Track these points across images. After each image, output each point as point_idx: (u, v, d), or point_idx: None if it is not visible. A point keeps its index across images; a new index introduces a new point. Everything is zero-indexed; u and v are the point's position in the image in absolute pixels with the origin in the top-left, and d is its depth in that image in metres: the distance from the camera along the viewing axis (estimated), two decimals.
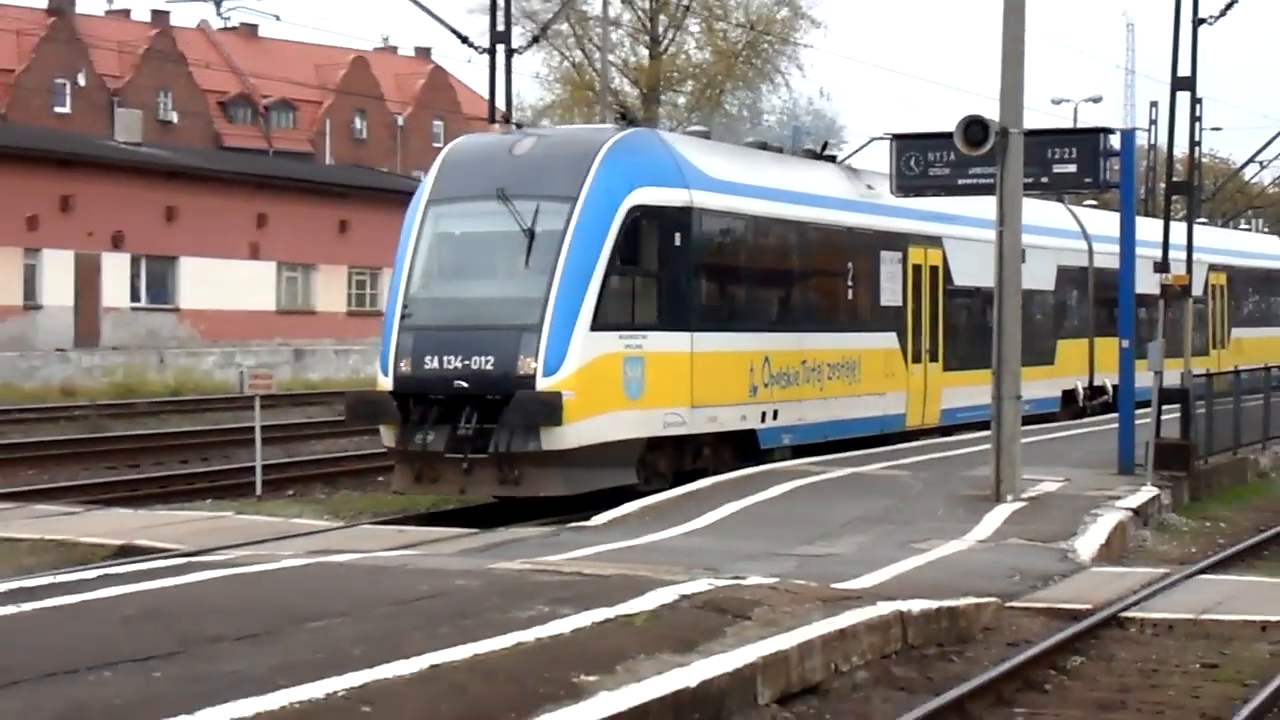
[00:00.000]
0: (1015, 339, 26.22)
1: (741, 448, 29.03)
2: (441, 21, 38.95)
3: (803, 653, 13.31)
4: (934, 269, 35.78)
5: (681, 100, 70.93)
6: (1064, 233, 43.11)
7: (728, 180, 29.14)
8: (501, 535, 21.74)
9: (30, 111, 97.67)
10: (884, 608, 15.17)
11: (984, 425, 32.72)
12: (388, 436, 25.87)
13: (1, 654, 11.90)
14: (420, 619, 13.57)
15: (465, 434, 24.34)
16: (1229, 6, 35.43)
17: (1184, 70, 34.04)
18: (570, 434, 24.10)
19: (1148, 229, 42.34)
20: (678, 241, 27.01)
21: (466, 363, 24.77)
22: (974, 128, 26.00)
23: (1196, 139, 44.69)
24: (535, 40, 49.35)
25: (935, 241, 35.91)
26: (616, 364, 25.44)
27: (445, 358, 25.01)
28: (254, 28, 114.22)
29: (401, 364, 25.40)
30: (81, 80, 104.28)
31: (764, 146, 34.83)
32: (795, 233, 31.55)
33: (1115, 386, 38.19)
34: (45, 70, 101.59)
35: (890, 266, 34.23)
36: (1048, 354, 40.94)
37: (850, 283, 33.25)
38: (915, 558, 19.36)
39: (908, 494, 25.46)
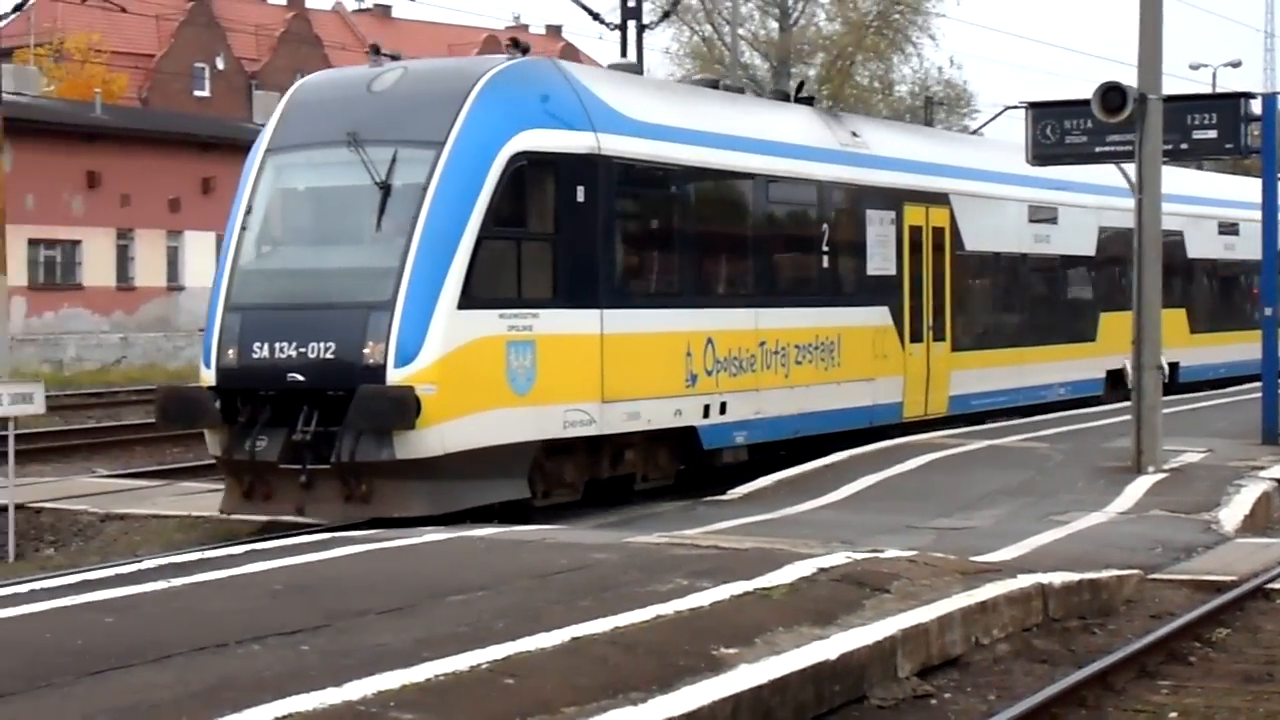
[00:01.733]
0: (1156, 308, 25.60)
1: (680, 448, 24.36)
2: (576, 1, 39.10)
3: (943, 625, 13.28)
4: (938, 231, 30.65)
5: (812, 73, 70.65)
6: (1107, 190, 35.38)
7: (654, 123, 24.12)
8: (638, 510, 21.79)
9: (170, 96, 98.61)
10: (1024, 580, 15.07)
11: (1002, 414, 32.12)
12: (212, 443, 21.35)
13: (154, 628, 12.14)
14: (560, 592, 13.62)
15: (303, 439, 19.81)
16: None
17: None
18: (432, 438, 19.51)
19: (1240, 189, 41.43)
20: (580, 197, 22.01)
21: (302, 350, 20.07)
22: (1112, 94, 25.76)
23: None
24: (666, 15, 49.37)
25: (940, 199, 30.74)
26: (496, 350, 20.61)
27: (277, 344, 20.27)
28: (387, 9, 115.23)
29: (226, 353, 20.68)
30: (220, 64, 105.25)
31: (715, 85, 29.56)
32: (748, 188, 26.41)
33: (1173, 365, 35.67)
34: (184, 54, 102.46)
35: (879, 228, 29.03)
36: (1090, 330, 36.17)
37: (825, 248, 27.61)
38: (1055, 530, 19.23)
39: (1046, 466, 25.23)
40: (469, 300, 20.18)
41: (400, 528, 18.37)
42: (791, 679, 11.23)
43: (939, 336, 30.43)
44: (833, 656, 11.81)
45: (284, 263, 21.88)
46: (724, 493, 23.04)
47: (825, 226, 27.71)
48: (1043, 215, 33.50)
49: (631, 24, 37.56)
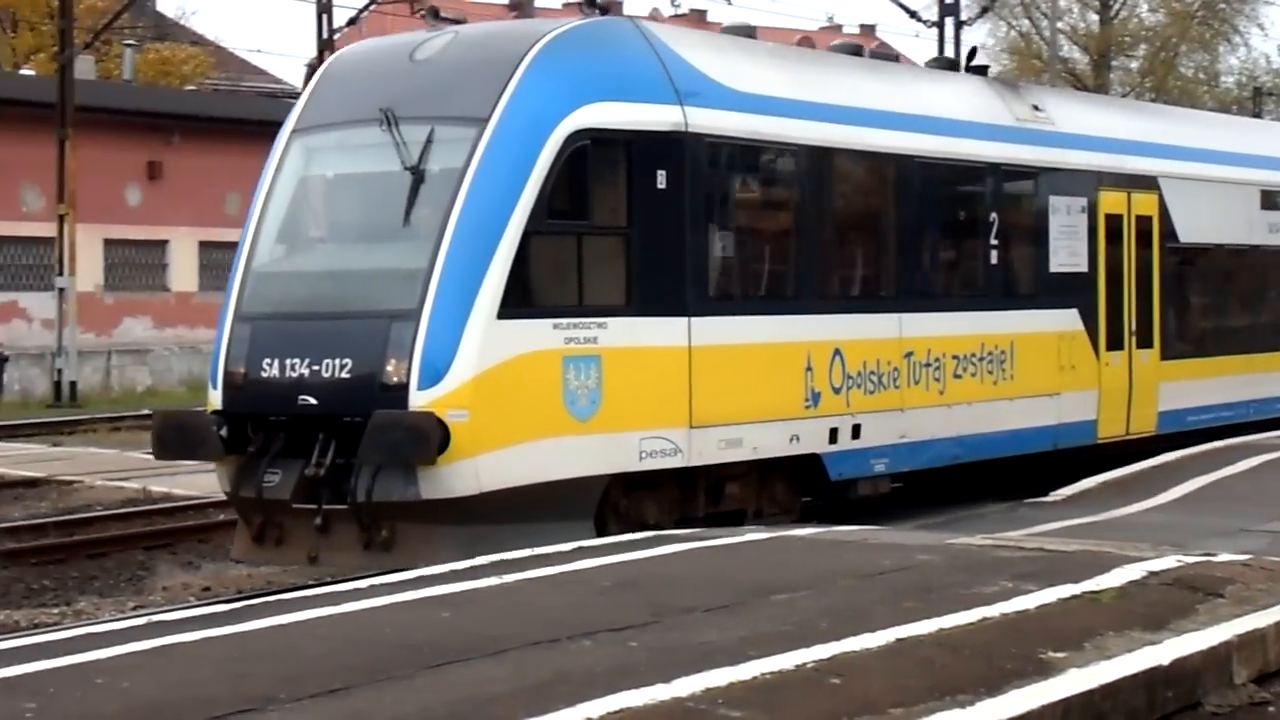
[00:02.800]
0: None
1: (802, 479, 20.79)
2: (900, 3, 39.01)
3: None
4: (1144, 220, 25.87)
5: (1134, 65, 69.71)
6: None
7: (763, 95, 20.36)
8: (960, 511, 21.50)
9: None
10: None
11: (1221, 432, 27.12)
12: (221, 477, 18.49)
13: (490, 623, 12.40)
14: (883, 593, 13.58)
15: (316, 474, 16.92)
16: None
17: None
18: (465, 474, 16.34)
19: None
20: (662, 183, 18.43)
21: (316, 369, 16.97)
22: None
23: None
24: (984, 11, 49.41)
25: (1146, 183, 26.01)
26: (549, 366, 17.27)
27: (289, 361, 17.17)
28: (703, 13, 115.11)
29: (234, 371, 17.72)
30: None
31: (857, 52, 24.80)
32: (890, 172, 22.25)
33: None
34: None
35: (1066, 217, 24.49)
36: None
37: (994, 241, 23.30)
38: None
39: None
40: (513, 308, 16.90)
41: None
42: (1123, 684, 11.08)
43: (1144, 343, 25.80)
44: (1165, 662, 11.62)
45: (301, 265, 18.71)
46: (1046, 494, 22.58)
47: (994, 216, 23.49)
48: (1277, 199, 28.95)
49: (949, 20, 37.36)
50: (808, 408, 20.01)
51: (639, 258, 18.28)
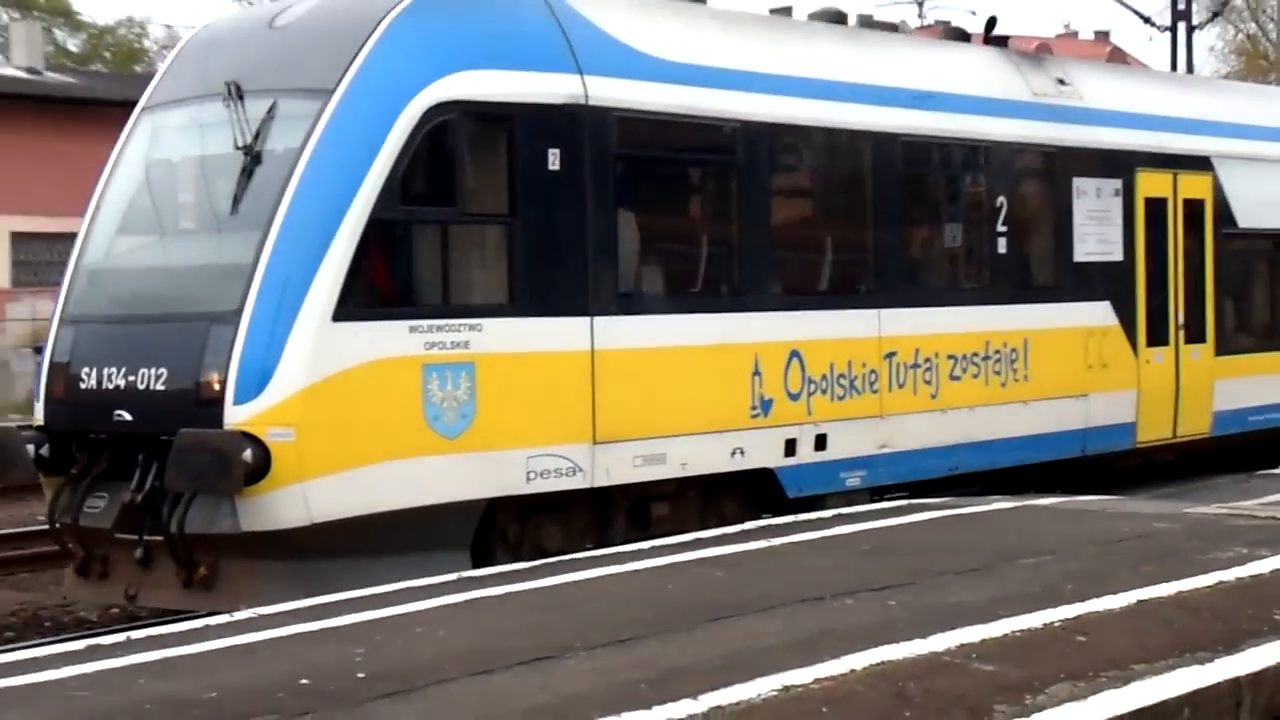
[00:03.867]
0: None
1: (759, 495, 16.74)
2: (1125, 5, 38.53)
3: None
4: (1194, 204, 21.56)
5: None
6: None
7: (694, 64, 16.22)
8: (1194, 483, 20.81)
9: None
10: None
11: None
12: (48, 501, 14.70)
13: (760, 583, 12.42)
14: (1124, 558, 13.41)
15: (133, 501, 13.40)
16: None
17: None
18: (292, 503, 12.71)
19: None
20: (555, 164, 14.52)
21: (132, 379, 13.44)
22: None
23: None
24: (1215, 15, 48.45)
25: (1197, 163, 21.67)
26: (404, 375, 13.44)
27: (106, 371, 13.70)
28: (946, 24, 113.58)
29: (54, 382, 14.27)
30: None
31: (841, 19, 19.79)
32: (865, 152, 17.81)
33: None
34: None
35: (1095, 201, 20.20)
36: None
37: (1002, 227, 19.04)
38: None
39: None
40: (354, 309, 13.22)
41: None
42: None
43: (1196, 338, 21.60)
44: None
45: (129, 260, 15.06)
46: (1278, 467, 21.84)
47: (1003, 200, 19.15)
48: None
49: (1181, 25, 36.74)
50: (755, 416, 16.11)
51: (525, 250, 14.31)
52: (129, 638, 10.88)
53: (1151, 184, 20.80)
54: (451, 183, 14.23)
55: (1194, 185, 21.47)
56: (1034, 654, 10.10)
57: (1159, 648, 10.36)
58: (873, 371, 17.19)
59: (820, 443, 16.88)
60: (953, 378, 18.07)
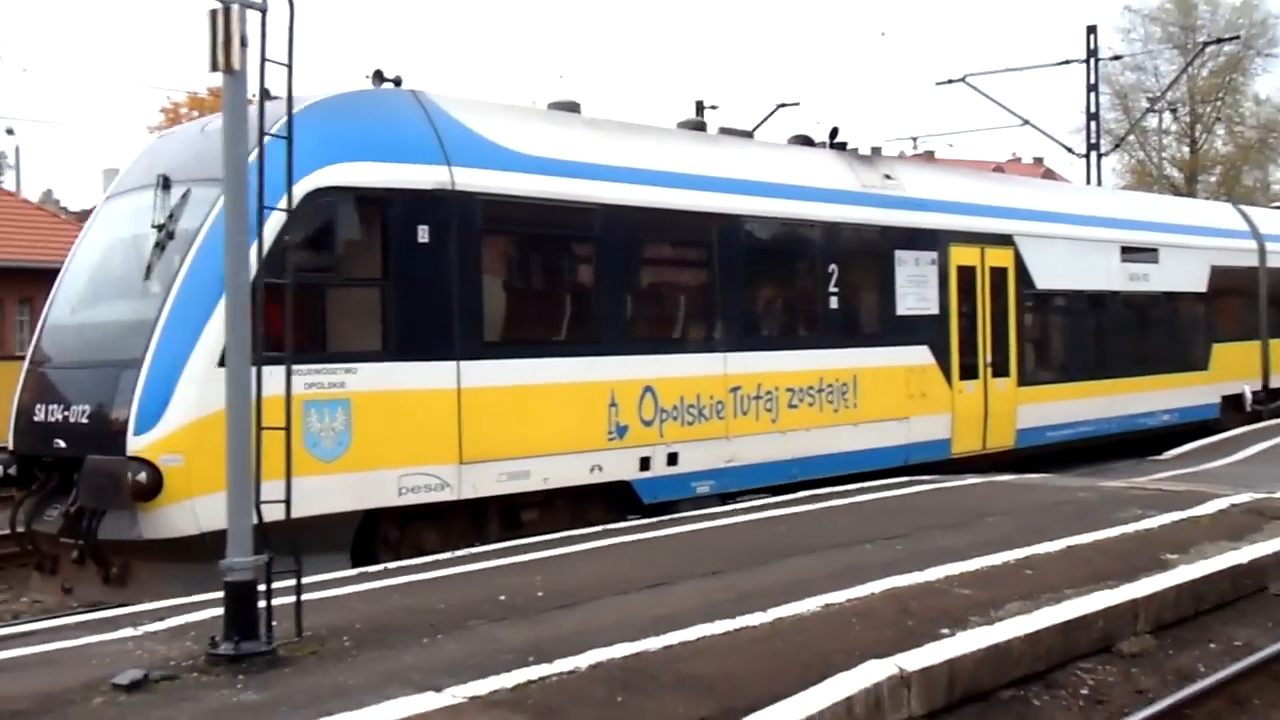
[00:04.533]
0: None
1: (624, 502, 14.63)
2: (1056, 140, 38.18)
3: None
4: (999, 270, 19.70)
5: (1213, 179, 66.99)
6: (1223, 232, 25.52)
7: (553, 158, 14.32)
8: (1101, 466, 20.52)
9: None
10: None
11: (1083, 453, 21.23)
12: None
13: (806, 534, 12.33)
14: (1058, 517, 13.25)
15: (68, 511, 11.95)
16: None
17: None
18: (181, 516, 11.28)
19: None
20: (425, 237, 12.88)
21: (67, 414, 12.34)
22: None
23: None
24: (1116, 146, 48.12)
25: (1001, 240, 19.75)
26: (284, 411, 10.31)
27: (50, 406, 12.58)
28: (930, 153, 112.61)
29: (19, 414, 13.05)
30: None
31: (701, 127, 18.17)
32: (709, 227, 15.75)
33: None
34: None
35: (914, 268, 18.34)
36: (1201, 359, 24.09)
37: (834, 289, 17.17)
38: None
39: None
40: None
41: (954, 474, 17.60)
42: (1216, 575, 10.75)
43: (1001, 373, 19.53)
44: (1244, 561, 11.23)
45: (74, 318, 13.49)
46: (1160, 454, 21.46)
47: (834, 267, 17.17)
48: (1139, 255, 22.76)
49: (1093, 153, 36.32)
50: (612, 439, 14.22)
51: (396, 307, 12.59)
52: (385, 568, 10.99)
53: (963, 255, 19.02)
54: (331, 252, 12.37)
55: (999, 256, 19.65)
56: (996, 582, 10.03)
57: (1082, 578, 10.25)
58: (720, 402, 15.37)
59: (672, 459, 14.84)
60: (791, 406, 16.19)
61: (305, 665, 7.81)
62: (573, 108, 15.88)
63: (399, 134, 12.96)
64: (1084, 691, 8.55)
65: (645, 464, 14.58)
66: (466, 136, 13.55)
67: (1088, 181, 35.34)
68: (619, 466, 14.24)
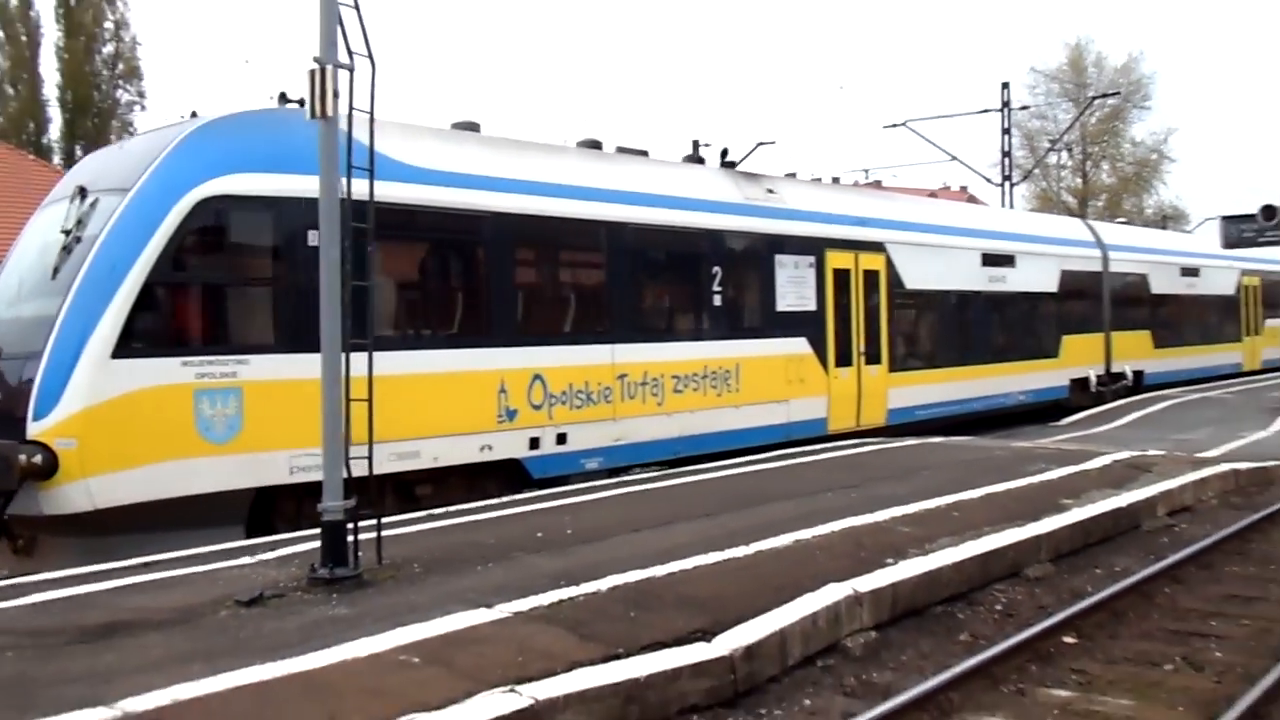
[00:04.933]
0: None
1: (515, 474, 12.94)
2: (978, 173, 37.93)
3: (1181, 490, 12.44)
4: (871, 273, 18.10)
5: (1100, 204, 66.54)
6: (1071, 242, 24.18)
7: (443, 170, 12.64)
8: (1016, 429, 20.33)
9: None
10: (1224, 466, 13.98)
11: (951, 427, 19.49)
12: None
13: (779, 484, 12.19)
14: (979, 471, 13.20)
15: None
16: None
17: None
18: (76, 494, 9.93)
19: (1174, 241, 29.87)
20: (315, 240, 10.47)
21: None
22: (1268, 209, 23.85)
23: None
24: (1024, 178, 47.99)
25: (874, 246, 18.16)
26: (176, 399, 10.42)
27: None
28: (878, 182, 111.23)
29: None
30: None
31: (597, 145, 15.76)
32: (597, 233, 14.10)
33: (1137, 372, 25.22)
34: None
35: (793, 271, 16.73)
36: (1052, 348, 22.73)
37: (717, 289, 15.59)
38: (1239, 441, 17.59)
39: (1232, 407, 22.93)
40: (131, 348, 10.24)
41: (896, 438, 17.34)
42: (1102, 516, 10.74)
43: (874, 360, 18.00)
44: (1124, 504, 11.23)
45: (1, 316, 11.68)
46: (1059, 421, 21.21)
47: (717, 269, 15.58)
48: (999, 260, 21.33)
49: (1007, 183, 36.05)
50: (501, 422, 12.57)
51: (286, 304, 10.95)
52: (446, 510, 10.92)
53: (838, 260, 17.41)
54: (221, 253, 10.89)
55: (872, 261, 18.05)
56: (930, 522, 9.99)
57: (997, 519, 10.21)
58: (608, 388, 13.76)
59: (561, 439, 13.21)
60: (676, 391, 14.65)
61: (384, 587, 7.79)
62: (473, 127, 14.19)
63: (293, 147, 11.19)
64: (998, 607, 8.54)
65: (535, 444, 12.99)
66: (358, 151, 11.17)
67: (1002, 204, 35.12)
68: (509, 446, 12.69)
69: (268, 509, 10.93)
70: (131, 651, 6.38)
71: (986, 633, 7.88)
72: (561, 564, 8.31)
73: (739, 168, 17.35)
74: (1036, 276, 22.23)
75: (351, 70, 8.14)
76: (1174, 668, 7.24)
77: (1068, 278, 23.27)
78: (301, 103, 12.33)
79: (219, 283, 10.86)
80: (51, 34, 31.70)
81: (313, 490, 10.03)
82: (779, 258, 16.58)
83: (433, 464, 11.94)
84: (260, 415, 10.68)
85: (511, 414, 12.75)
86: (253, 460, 10.66)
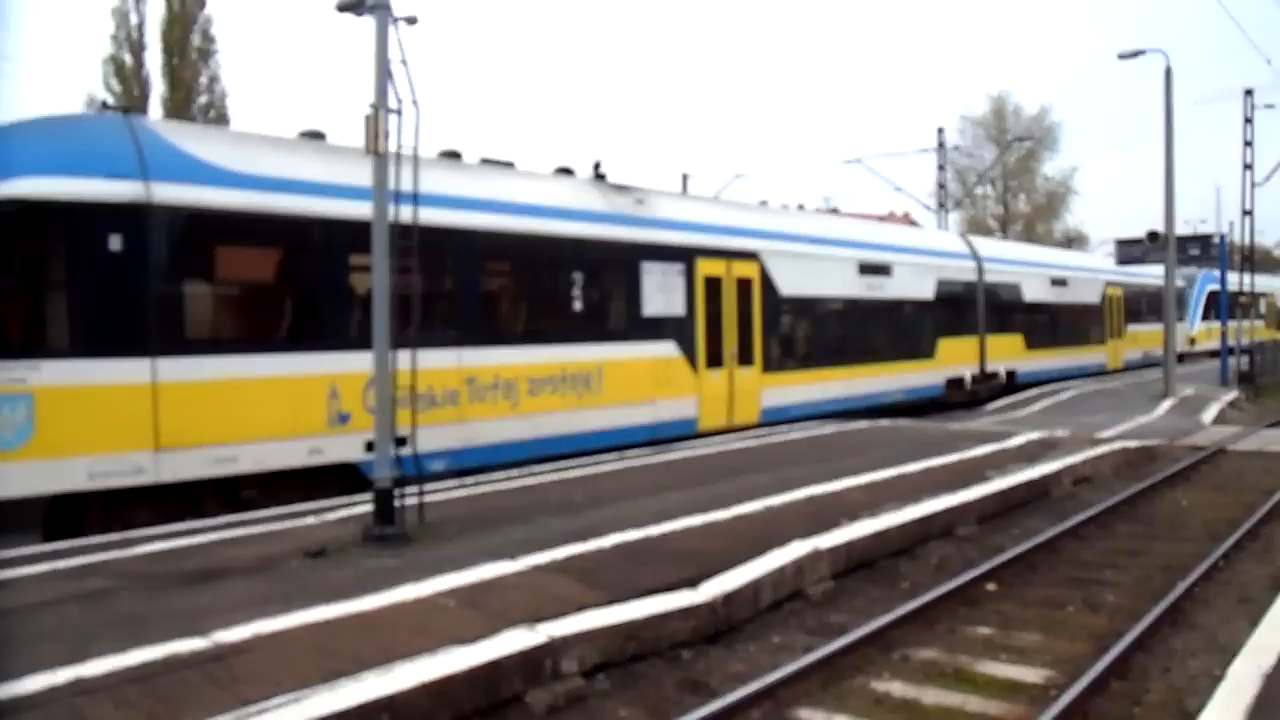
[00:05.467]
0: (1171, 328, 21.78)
1: (352, 478, 10.32)
2: (918, 201, 37.81)
3: (1083, 464, 12.31)
4: (744, 280, 15.47)
5: (1018, 228, 66.35)
6: (947, 254, 21.56)
7: (274, 177, 10.02)
8: (949, 414, 20.15)
9: None
10: (1117, 444, 13.86)
11: (827, 419, 17.03)
12: None
13: (756, 460, 12.08)
14: (919, 448, 13.06)
15: None
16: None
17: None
18: None
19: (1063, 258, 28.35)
20: (117, 246, 8.81)
21: None
22: (1152, 234, 23.78)
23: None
24: (956, 205, 47.88)
25: (747, 255, 15.52)
26: None
27: None
28: (836, 209, 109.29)
29: None
30: None
31: (457, 155, 12.87)
32: (445, 241, 11.24)
33: (1010, 372, 23.13)
34: None
35: (661, 278, 14.09)
36: (929, 350, 20.19)
37: (577, 293, 12.93)
38: (1128, 423, 17.38)
39: (1124, 396, 22.62)
40: None
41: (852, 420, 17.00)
42: (1019, 485, 10.64)
43: (746, 362, 15.41)
44: (1035, 476, 11.13)
45: None
46: (985, 406, 20.90)
47: (579, 275, 12.94)
48: (875, 269, 18.78)
49: (942, 210, 35.86)
50: (333, 425, 10.11)
51: (83, 308, 8.77)
52: (476, 479, 10.77)
53: (710, 268, 14.81)
54: (10, 258, 8.61)
55: (745, 269, 15.41)
56: (879, 490, 9.91)
57: (933, 486, 10.12)
58: (454, 391, 11.23)
59: (400, 442, 8.71)
60: (532, 394, 12.06)
61: (426, 543, 7.72)
62: (318, 136, 11.46)
63: (96, 153, 9.12)
64: (934, 560, 8.46)
65: (371, 447, 9.35)
66: (176, 157, 9.52)
67: (938, 227, 34.91)
68: (342, 450, 10.19)
69: (76, 515, 8.82)
70: (222, 593, 6.36)
71: (924, 581, 7.81)
72: (574, 524, 8.23)
73: (716, 194, 16.09)
74: (913, 284, 20.00)
75: (400, 114, 8.06)
76: (1075, 609, 7.20)
77: (944, 286, 21.11)
78: (125, 110, 10.30)
79: (5, 287, 8.70)
80: (158, 88, 32.28)
81: (130, 495, 8.85)
82: (645, 265, 14.06)
83: (255, 469, 9.64)
84: (54, 420, 8.59)
85: (344, 418, 10.29)
86: (46, 467, 8.56)
